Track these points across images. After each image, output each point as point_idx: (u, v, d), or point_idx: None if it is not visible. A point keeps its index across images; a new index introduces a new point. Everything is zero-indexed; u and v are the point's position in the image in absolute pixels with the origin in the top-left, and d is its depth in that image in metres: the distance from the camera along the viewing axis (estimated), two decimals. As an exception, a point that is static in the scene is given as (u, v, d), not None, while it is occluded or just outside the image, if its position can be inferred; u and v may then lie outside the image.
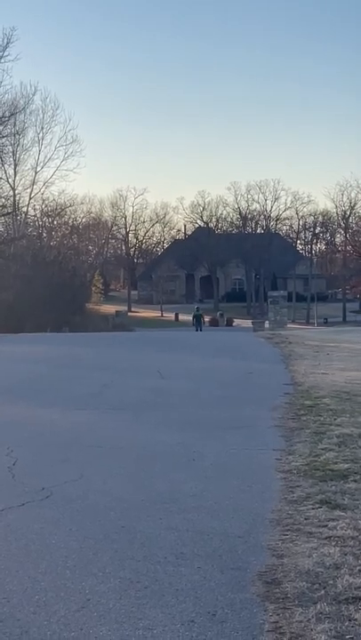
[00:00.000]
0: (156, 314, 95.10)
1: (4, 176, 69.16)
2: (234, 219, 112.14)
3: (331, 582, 5.06)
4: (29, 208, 74.81)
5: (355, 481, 7.53)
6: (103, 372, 18.62)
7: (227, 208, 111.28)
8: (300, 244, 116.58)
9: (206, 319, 69.58)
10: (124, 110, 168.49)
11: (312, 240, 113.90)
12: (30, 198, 73.38)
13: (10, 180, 70.39)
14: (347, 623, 4.47)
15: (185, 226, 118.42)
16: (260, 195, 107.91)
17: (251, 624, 4.52)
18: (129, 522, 6.56)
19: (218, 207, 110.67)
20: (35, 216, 78.45)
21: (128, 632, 4.40)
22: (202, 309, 67.32)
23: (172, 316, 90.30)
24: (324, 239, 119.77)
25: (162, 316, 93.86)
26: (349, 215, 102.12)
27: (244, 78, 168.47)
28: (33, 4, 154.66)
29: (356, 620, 4.51)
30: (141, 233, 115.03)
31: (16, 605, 4.80)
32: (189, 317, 75.55)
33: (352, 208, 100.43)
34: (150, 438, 10.30)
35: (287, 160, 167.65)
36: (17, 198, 70.83)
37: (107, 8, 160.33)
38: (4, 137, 63.31)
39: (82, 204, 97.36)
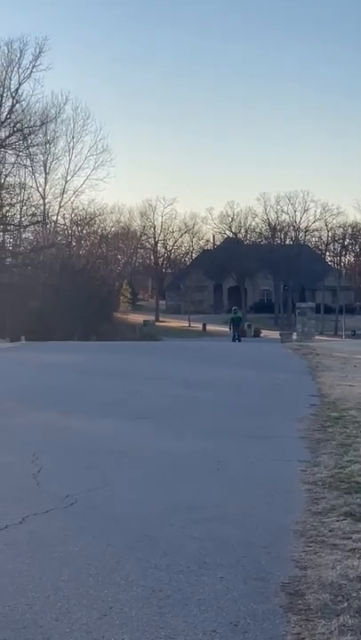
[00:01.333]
0: (184, 324, 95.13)
1: (34, 185, 69.75)
2: (263, 229, 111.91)
3: (354, 595, 5.03)
4: (59, 217, 75.36)
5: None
6: (129, 380, 18.65)
7: (256, 219, 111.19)
8: (330, 255, 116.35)
9: (222, 329, 65.50)
10: (153, 119, 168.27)
11: (341, 252, 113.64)
12: (60, 207, 73.91)
13: (40, 188, 71.02)
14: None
15: (213, 236, 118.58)
16: (290, 206, 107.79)
17: (273, 635, 4.50)
18: (152, 530, 6.56)
19: (247, 218, 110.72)
20: (64, 225, 78.97)
21: (150, 640, 4.40)
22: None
23: (199, 326, 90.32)
24: (353, 251, 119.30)
25: (189, 326, 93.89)
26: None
27: (272, 89, 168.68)
28: (68, 13, 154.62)
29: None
30: (170, 243, 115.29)
31: (38, 612, 4.81)
32: (217, 328, 74.85)
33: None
34: (175, 447, 10.32)
35: (317, 171, 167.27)
36: (47, 207, 71.42)
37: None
38: (34, 146, 63.76)
39: (111, 213, 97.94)
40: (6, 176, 62.58)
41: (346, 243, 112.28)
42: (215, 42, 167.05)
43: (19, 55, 61.38)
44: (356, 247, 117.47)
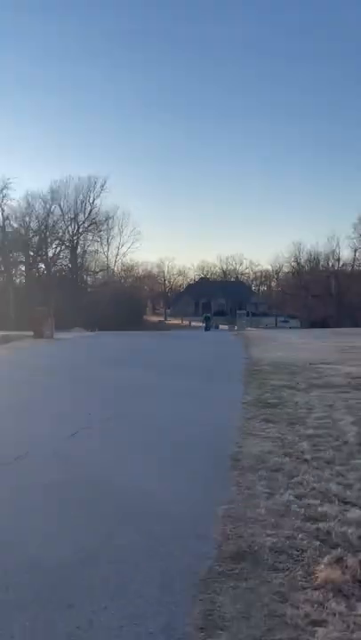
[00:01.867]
0: (179, 322, 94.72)
1: (102, 250, 69.66)
2: (219, 273, 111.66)
3: (266, 460, 5.04)
4: (115, 267, 75.07)
5: (279, 408, 7.48)
6: (147, 352, 18.56)
7: (215, 267, 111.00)
8: (254, 286, 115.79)
9: (199, 324, 63.61)
10: (169, 208, 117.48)
11: (259, 284, 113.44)
12: (115, 262, 73.64)
13: (105, 252, 70.84)
14: (274, 482, 4.45)
15: (195, 277, 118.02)
16: (233, 261, 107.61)
17: (225, 482, 4.49)
18: (160, 430, 6.49)
19: (211, 268, 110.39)
20: (118, 271, 78.50)
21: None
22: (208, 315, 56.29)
23: (187, 322, 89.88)
24: (265, 284, 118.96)
25: (182, 323, 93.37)
26: (279, 271, 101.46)
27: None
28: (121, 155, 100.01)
29: (278, 480, 4.49)
30: (171, 280, 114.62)
31: (106, 465, 4.79)
32: (197, 324, 74.12)
33: (280, 268, 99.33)
34: (174, 385, 10.08)
35: (248, 238, 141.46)
36: (108, 262, 71.26)
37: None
38: (101, 230, 64.14)
39: (142, 264, 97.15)
40: (88, 246, 63.02)
41: (262, 280, 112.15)
42: (232, 135, 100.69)
43: (94, 183, 61.24)
44: (266, 282, 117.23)
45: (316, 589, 2.85)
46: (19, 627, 2.58)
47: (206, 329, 47.64)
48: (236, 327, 47.99)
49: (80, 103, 78.89)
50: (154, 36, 79.84)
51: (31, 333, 24.13)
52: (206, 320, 51.05)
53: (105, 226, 66.16)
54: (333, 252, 66.49)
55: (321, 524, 3.57)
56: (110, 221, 67.95)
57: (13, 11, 69.97)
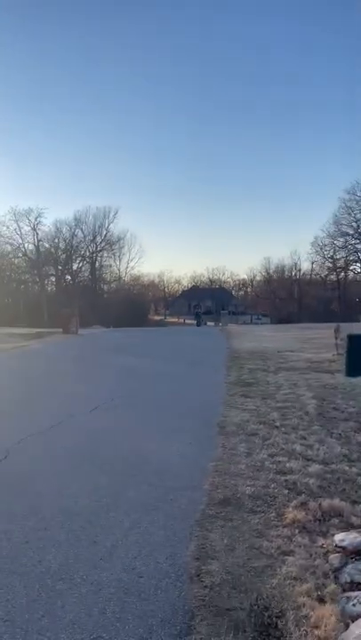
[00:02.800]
0: (175, 320, 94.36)
1: (115, 265, 69.73)
2: (207, 281, 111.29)
3: (245, 427, 5.02)
4: (125, 277, 74.90)
5: (255, 386, 7.44)
6: (149, 344, 18.46)
7: (204, 277, 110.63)
8: (234, 291, 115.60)
9: (192, 322, 64.26)
10: (170, 232, 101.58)
11: (238, 290, 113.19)
12: (125, 274, 73.55)
13: (117, 266, 70.88)
14: (251, 444, 4.42)
15: (188, 285, 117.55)
16: (218, 272, 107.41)
17: (213, 443, 4.46)
18: (162, 408, 6.43)
19: (200, 277, 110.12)
20: (128, 281, 78.18)
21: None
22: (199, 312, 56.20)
23: (182, 320, 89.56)
24: (243, 290, 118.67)
25: (177, 320, 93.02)
26: (253, 279, 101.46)
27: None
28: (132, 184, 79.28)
29: (255, 442, 4.48)
30: (170, 288, 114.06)
31: (114, 429, 4.75)
32: (192, 321, 73.96)
33: (254, 277, 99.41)
34: (170, 369, 9.80)
35: (230, 253, 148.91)
36: (120, 273, 71.16)
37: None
38: (114, 249, 64.32)
39: (146, 275, 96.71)
40: (104, 262, 63.45)
41: (240, 287, 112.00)
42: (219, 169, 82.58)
43: (108, 212, 61.21)
44: (244, 288, 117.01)
45: (285, 527, 2.85)
46: (54, 559, 2.57)
47: (198, 325, 48.32)
48: (220, 323, 47.87)
49: (98, 149, 77.91)
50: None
51: (60, 330, 24.07)
52: (198, 318, 51.87)
53: (117, 245, 66.47)
54: (295, 264, 66.55)
55: (289, 477, 3.57)
56: (121, 242, 67.87)
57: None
